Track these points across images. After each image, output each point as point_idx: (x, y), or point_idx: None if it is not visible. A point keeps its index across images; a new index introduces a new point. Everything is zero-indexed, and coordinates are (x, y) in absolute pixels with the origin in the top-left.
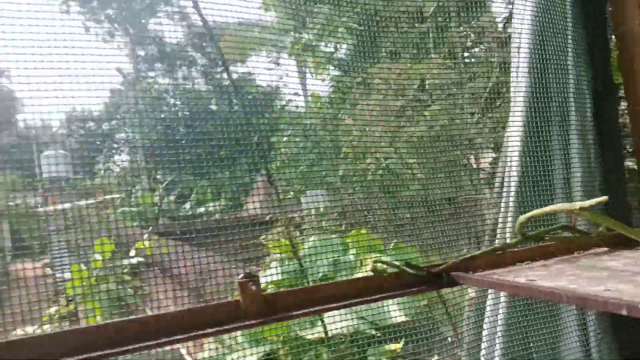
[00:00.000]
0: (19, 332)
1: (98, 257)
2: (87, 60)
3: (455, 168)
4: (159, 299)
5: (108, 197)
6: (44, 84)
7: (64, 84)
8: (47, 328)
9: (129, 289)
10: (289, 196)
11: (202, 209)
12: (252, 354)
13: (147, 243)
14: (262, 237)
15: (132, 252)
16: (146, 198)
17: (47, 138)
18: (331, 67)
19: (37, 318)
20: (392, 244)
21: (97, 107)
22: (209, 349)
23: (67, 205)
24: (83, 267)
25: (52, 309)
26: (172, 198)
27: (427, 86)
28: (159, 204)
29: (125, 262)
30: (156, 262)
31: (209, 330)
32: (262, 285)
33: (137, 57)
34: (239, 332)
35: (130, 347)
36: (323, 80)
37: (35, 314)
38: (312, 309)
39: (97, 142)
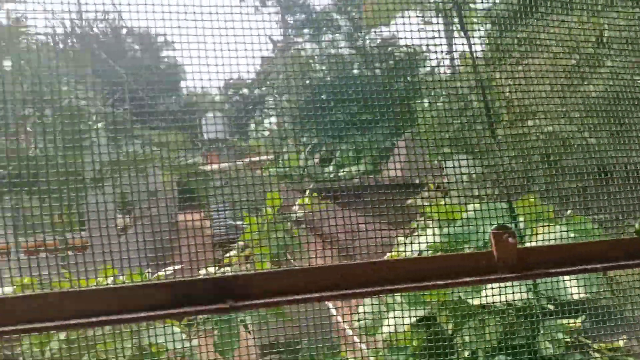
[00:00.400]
0: (202, 272)
1: (263, 209)
2: (241, 27)
3: (637, 132)
4: (308, 250)
5: (259, 158)
6: (204, 50)
7: (222, 52)
8: (228, 269)
9: (290, 239)
10: (435, 160)
11: (343, 172)
12: (409, 316)
13: (306, 200)
14: (410, 200)
15: (294, 208)
16: (292, 160)
17: (207, 103)
18: (487, 24)
19: (210, 261)
20: (568, 213)
21: (250, 74)
22: (367, 305)
23: (226, 164)
24: (254, 217)
25: (232, 252)
26: (316, 160)
27: (605, 40)
28: (303, 166)
29: (291, 215)
30: (307, 219)
31: (466, 279)
32: (423, 247)
33: (286, 24)
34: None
35: (392, 287)
36: (479, 38)
37: (204, 256)
38: (570, 268)
39: (250, 107)
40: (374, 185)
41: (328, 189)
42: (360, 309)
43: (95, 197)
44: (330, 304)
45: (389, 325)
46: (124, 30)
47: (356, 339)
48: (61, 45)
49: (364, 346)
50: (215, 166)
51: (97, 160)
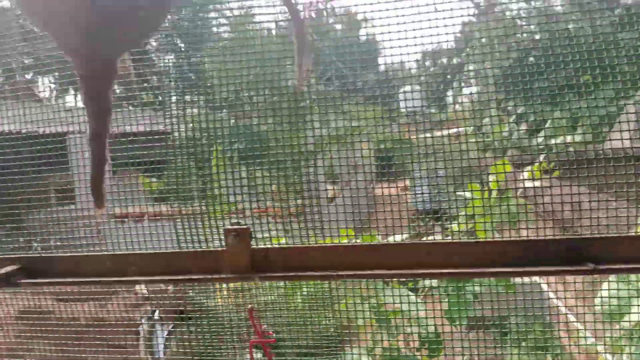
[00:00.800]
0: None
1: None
2: None
3: None
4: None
5: (459, 128)
6: (400, 24)
7: (419, 23)
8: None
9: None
10: None
11: (556, 141)
12: None
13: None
14: None
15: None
16: (496, 129)
17: (404, 75)
18: None
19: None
20: None
21: (450, 42)
22: (611, 281)
23: (426, 135)
24: (480, 187)
25: (454, 225)
26: (522, 129)
27: None
28: (508, 136)
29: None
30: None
31: None
32: None
33: None
34: None
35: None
36: None
37: (405, 225)
38: None
39: (448, 76)
40: (601, 157)
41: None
42: (604, 292)
43: (311, 167)
44: (543, 282)
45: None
46: (328, 12)
47: (573, 320)
48: (280, 31)
49: (582, 329)
50: (414, 138)
51: (312, 135)
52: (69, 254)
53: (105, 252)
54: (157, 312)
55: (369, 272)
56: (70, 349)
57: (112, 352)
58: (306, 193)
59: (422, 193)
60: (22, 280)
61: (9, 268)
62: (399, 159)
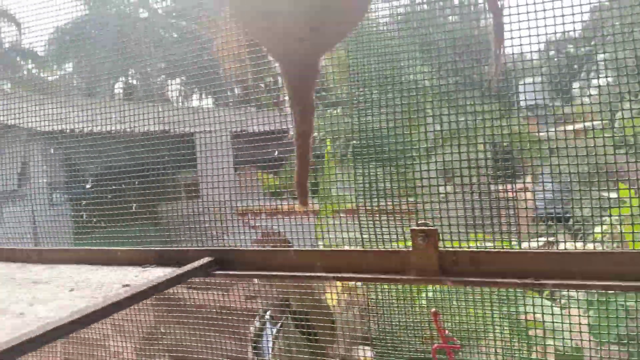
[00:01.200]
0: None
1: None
2: None
3: None
4: None
5: (586, 123)
6: (524, 13)
7: (543, 11)
8: (593, 245)
9: None
10: None
11: None
12: None
13: None
14: None
15: None
16: (629, 123)
17: (525, 66)
18: None
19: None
20: None
21: (577, 29)
22: None
23: (556, 130)
24: (629, 187)
25: (597, 228)
26: None
27: None
28: None
29: None
30: None
31: None
32: None
33: None
34: None
35: None
36: None
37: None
38: None
39: (575, 66)
40: None
41: None
42: None
43: (426, 166)
44: None
45: None
46: (440, 3)
47: None
48: (395, 26)
49: None
50: (536, 134)
51: (430, 130)
52: (257, 248)
53: (293, 248)
54: (268, 312)
55: (577, 282)
56: (198, 338)
57: (234, 342)
58: (420, 192)
59: (552, 194)
60: (216, 272)
61: (205, 259)
62: (520, 156)
